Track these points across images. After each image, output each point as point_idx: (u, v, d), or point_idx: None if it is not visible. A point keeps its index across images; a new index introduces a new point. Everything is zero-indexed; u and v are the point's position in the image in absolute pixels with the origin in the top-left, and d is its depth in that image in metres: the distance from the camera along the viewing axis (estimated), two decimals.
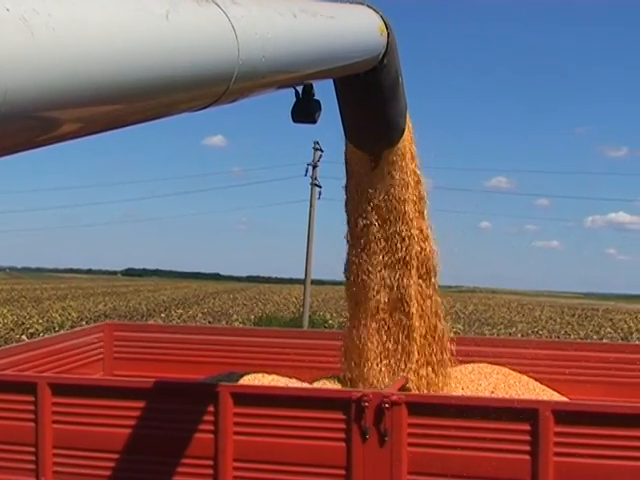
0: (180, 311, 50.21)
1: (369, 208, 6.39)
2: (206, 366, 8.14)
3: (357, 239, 6.56)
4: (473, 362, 7.37)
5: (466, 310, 64.35)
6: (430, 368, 6.65)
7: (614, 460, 5.05)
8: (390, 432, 5.31)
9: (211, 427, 5.62)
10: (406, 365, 6.55)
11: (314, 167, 39.76)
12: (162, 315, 46.05)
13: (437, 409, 5.37)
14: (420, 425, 5.33)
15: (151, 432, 5.73)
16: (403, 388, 6.26)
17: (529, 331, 42.99)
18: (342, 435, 5.41)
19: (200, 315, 47.56)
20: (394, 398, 5.33)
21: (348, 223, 6.66)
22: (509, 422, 5.20)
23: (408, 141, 6.31)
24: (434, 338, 6.72)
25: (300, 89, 4.79)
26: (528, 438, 5.15)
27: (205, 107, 3.09)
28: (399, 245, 6.43)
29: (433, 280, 6.70)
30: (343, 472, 5.41)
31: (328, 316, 44.54)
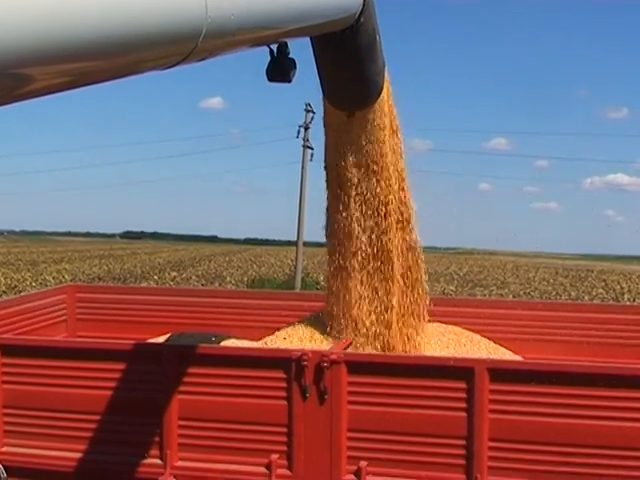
0: (174, 273, 50.31)
1: (347, 164, 6.38)
2: (167, 326, 8.20)
3: (336, 194, 6.57)
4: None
5: (460, 271, 64.63)
6: (410, 320, 6.74)
7: (548, 417, 5.12)
8: (330, 390, 5.37)
9: (157, 387, 5.69)
10: (386, 315, 6.60)
11: (306, 129, 39.69)
12: (155, 277, 46.15)
13: (376, 368, 5.43)
14: (359, 383, 5.39)
15: (96, 392, 5.79)
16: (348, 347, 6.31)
17: (521, 292, 43.22)
18: (283, 394, 5.48)
19: (194, 277, 47.63)
20: (333, 357, 5.39)
21: (327, 179, 6.67)
22: (446, 380, 5.27)
23: (386, 100, 6.27)
24: (414, 293, 6.79)
25: (275, 48, 4.71)
26: (464, 396, 5.21)
27: (173, 65, 3.03)
28: (377, 198, 6.44)
29: (412, 234, 6.76)
30: (285, 430, 5.48)
31: (321, 278, 44.63)
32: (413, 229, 6.77)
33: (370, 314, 6.61)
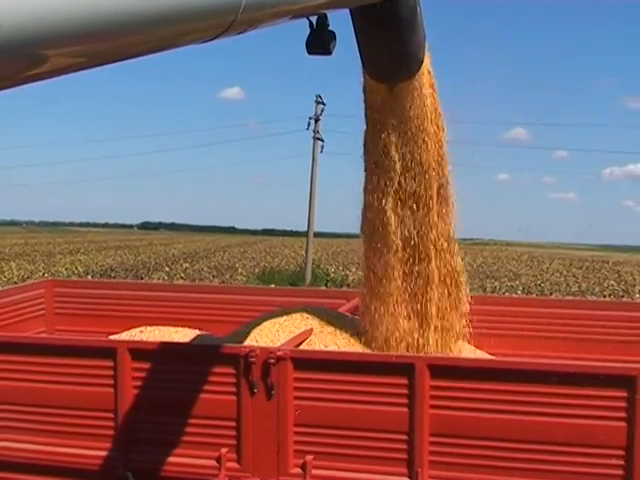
0: (186, 265, 50.54)
1: (387, 140, 6.31)
2: (143, 321, 8.36)
3: (374, 174, 6.47)
4: None
5: (474, 263, 64.30)
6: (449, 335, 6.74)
7: (488, 413, 5.20)
8: (276, 386, 5.49)
9: (110, 381, 5.83)
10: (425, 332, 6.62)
11: (316, 121, 39.94)
12: (167, 269, 46.37)
13: (321, 364, 5.54)
14: (305, 379, 5.50)
15: (56, 387, 5.94)
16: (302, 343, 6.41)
17: (532, 284, 43.04)
18: (232, 389, 5.60)
19: (206, 269, 47.76)
20: (279, 354, 5.50)
21: (365, 158, 6.56)
22: (388, 376, 5.37)
23: (427, 72, 6.22)
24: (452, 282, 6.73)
25: (314, 20, 4.69)
26: (406, 391, 5.32)
27: (213, 38, 2.99)
28: (418, 176, 6.37)
29: (451, 215, 6.62)
30: (234, 424, 5.61)
31: (332, 269, 44.68)
32: (452, 210, 6.61)
33: (407, 316, 6.58)
